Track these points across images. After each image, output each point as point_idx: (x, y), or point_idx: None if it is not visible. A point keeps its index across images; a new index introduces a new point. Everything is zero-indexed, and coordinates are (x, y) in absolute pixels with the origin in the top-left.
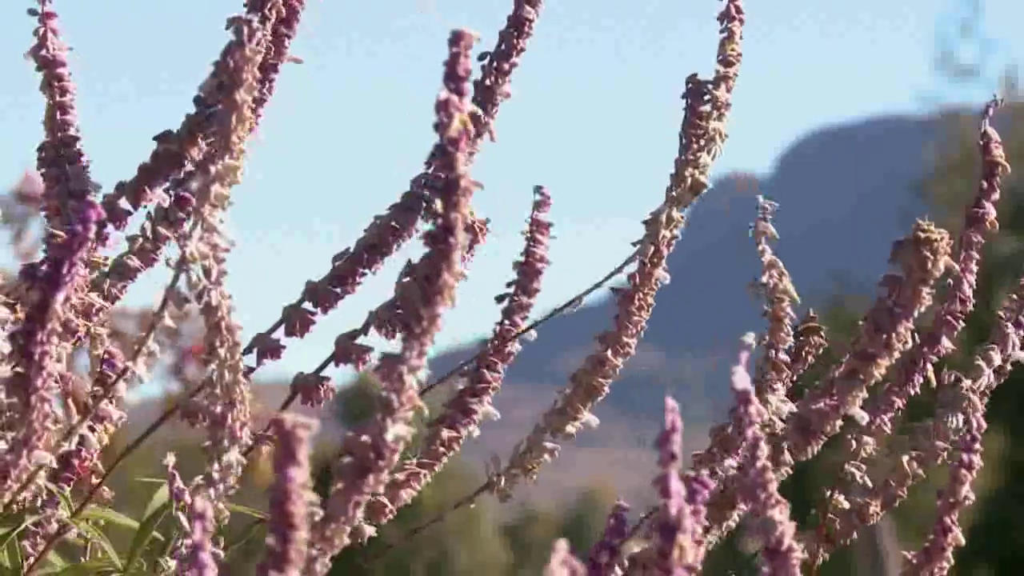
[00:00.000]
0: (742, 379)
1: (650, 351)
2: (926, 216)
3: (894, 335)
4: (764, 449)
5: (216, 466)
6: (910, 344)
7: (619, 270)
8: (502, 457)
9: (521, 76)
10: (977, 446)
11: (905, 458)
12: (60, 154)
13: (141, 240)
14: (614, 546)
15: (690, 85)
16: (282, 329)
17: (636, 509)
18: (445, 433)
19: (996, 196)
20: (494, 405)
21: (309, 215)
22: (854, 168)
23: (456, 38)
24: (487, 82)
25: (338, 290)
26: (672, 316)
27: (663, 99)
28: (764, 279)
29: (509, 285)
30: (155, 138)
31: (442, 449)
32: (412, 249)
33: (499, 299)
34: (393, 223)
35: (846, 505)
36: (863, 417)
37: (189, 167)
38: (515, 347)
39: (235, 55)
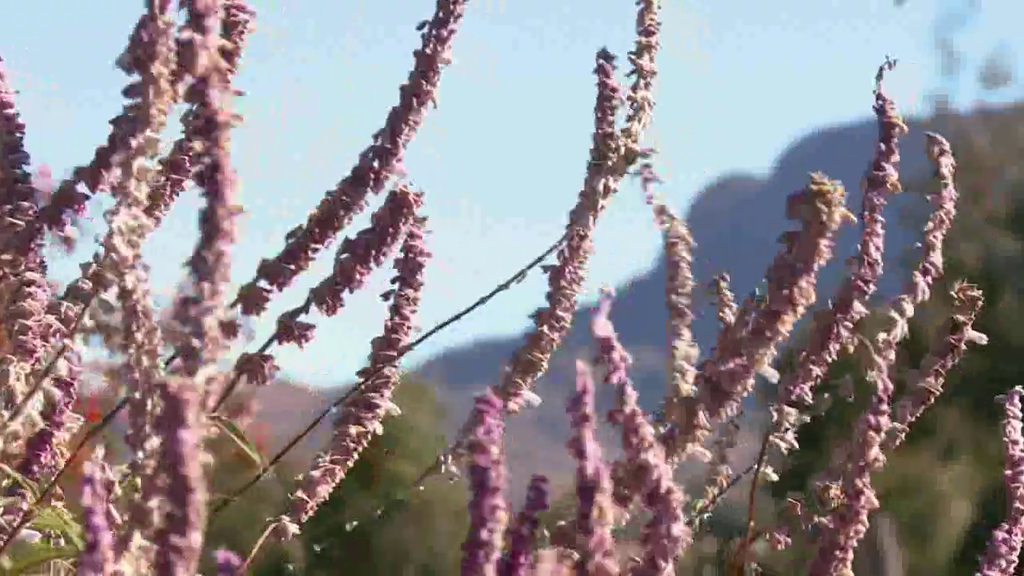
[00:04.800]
0: (602, 327)
1: (650, 351)
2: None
3: (796, 290)
4: (632, 394)
5: (141, 454)
6: (814, 299)
7: (557, 246)
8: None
9: (528, 77)
10: (884, 407)
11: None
12: (12, 192)
13: (95, 265)
14: (534, 518)
15: (601, 60)
16: (239, 308)
17: None
18: (353, 429)
19: (896, 158)
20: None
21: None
22: (854, 168)
23: None
24: (427, 50)
25: (291, 267)
26: None
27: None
28: (655, 225)
29: (393, 281)
30: (111, 121)
31: (352, 445)
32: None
33: (385, 296)
34: (343, 197)
35: (774, 477)
36: (773, 375)
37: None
38: (409, 340)
39: (148, 28)
